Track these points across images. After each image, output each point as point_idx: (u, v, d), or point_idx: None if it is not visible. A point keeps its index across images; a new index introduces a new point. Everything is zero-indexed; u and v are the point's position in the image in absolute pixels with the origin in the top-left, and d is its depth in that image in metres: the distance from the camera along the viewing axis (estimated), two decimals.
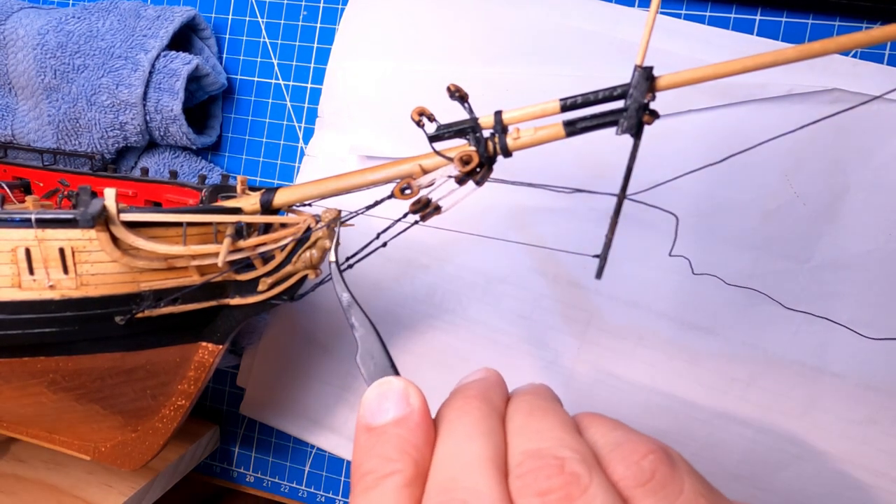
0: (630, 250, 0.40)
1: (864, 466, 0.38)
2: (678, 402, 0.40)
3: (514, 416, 0.23)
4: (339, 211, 0.30)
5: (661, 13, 0.39)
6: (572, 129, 0.23)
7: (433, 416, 0.25)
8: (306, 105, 0.46)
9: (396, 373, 0.25)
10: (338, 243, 0.29)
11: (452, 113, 0.25)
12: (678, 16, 0.40)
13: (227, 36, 0.48)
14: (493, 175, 0.26)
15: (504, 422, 0.23)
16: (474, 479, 0.20)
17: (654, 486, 0.20)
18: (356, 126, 0.44)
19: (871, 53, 0.37)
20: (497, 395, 0.25)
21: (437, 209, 0.26)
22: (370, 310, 0.44)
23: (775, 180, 0.38)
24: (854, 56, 0.37)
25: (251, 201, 0.30)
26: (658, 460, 0.20)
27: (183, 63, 0.43)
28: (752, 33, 0.39)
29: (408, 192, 0.26)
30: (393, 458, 0.21)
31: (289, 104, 0.47)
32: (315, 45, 0.46)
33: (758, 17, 0.39)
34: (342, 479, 0.48)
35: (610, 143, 0.26)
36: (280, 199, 0.30)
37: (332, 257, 0.28)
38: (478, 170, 0.25)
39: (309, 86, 0.46)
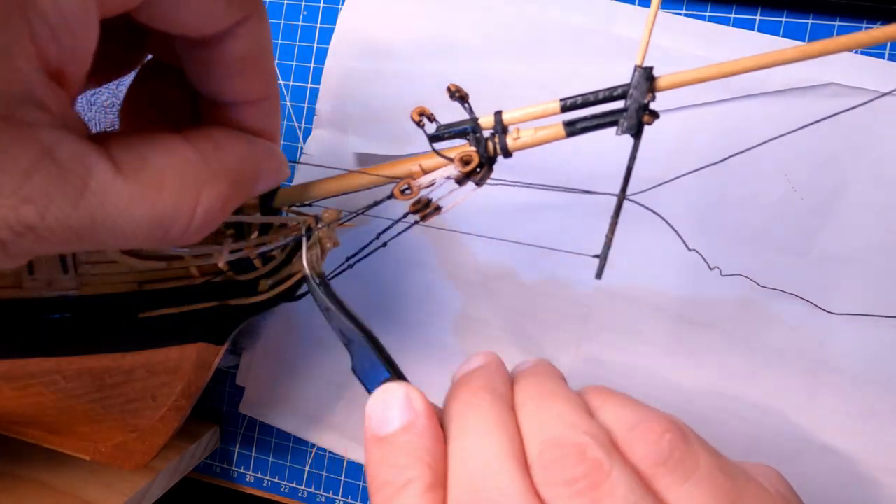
0: (629, 245, 0.40)
1: (864, 460, 0.38)
2: (677, 398, 0.40)
3: (524, 403, 0.23)
4: (340, 211, 0.30)
5: (661, 10, 0.39)
6: (572, 129, 0.23)
7: (440, 411, 0.24)
8: (306, 105, 0.46)
9: (398, 374, 0.25)
10: (312, 246, 0.28)
11: (451, 109, 0.25)
12: (678, 15, 0.40)
13: None
14: (492, 175, 0.26)
15: (513, 409, 0.23)
16: (497, 477, 0.20)
17: (673, 464, 0.21)
18: (354, 124, 0.44)
19: (871, 53, 0.37)
20: (502, 382, 0.24)
21: (437, 209, 0.26)
22: (368, 308, 0.44)
23: (772, 174, 0.38)
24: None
25: (251, 201, 0.30)
26: (675, 439, 0.21)
27: None
28: None
29: (408, 192, 0.26)
30: (407, 466, 0.21)
31: (289, 104, 0.47)
32: (315, 45, 0.46)
33: (758, 17, 0.39)
34: (342, 478, 0.48)
35: (610, 142, 0.26)
36: (280, 199, 0.30)
37: (306, 269, 0.27)
38: (478, 170, 0.25)
39: (309, 86, 0.46)
